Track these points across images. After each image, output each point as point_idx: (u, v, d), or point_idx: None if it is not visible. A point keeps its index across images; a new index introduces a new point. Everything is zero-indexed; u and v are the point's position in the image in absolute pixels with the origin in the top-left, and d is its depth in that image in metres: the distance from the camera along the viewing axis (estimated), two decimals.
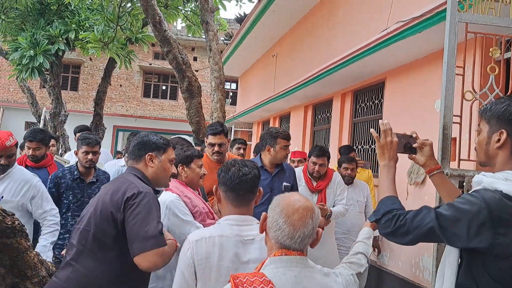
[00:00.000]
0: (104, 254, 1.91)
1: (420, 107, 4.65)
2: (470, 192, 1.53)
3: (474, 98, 2.56)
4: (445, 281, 1.52)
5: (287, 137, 3.44)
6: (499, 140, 1.48)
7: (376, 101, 6.00)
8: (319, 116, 8.33)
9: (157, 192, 2.23)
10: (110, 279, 1.90)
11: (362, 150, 6.35)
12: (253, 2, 9.15)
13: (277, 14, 8.41)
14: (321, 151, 3.85)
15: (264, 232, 1.47)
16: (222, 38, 18.11)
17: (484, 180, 1.47)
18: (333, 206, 3.85)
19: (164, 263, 1.88)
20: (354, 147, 6.20)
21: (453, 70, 2.54)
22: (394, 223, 1.52)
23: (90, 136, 3.60)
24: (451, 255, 1.51)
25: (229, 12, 74.56)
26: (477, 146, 1.59)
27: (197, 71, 19.08)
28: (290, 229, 1.37)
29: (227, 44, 13.10)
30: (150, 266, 1.84)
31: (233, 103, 19.91)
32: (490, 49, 2.57)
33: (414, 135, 1.89)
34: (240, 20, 11.02)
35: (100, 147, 3.71)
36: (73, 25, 9.75)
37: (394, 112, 5.25)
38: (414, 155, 1.87)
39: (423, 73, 4.64)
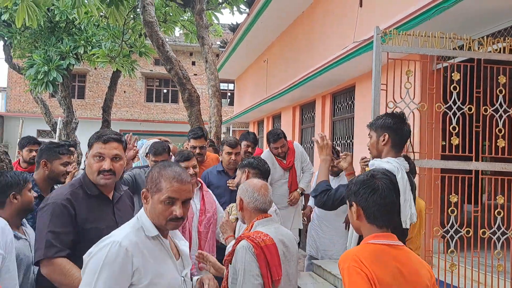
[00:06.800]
0: None
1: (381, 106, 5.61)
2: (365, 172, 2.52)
3: (395, 106, 3.54)
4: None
5: (230, 145, 3.73)
6: (384, 140, 2.45)
7: (350, 102, 6.98)
8: (305, 116, 9.30)
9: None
10: None
11: (341, 145, 7.32)
12: (243, 14, 10.09)
13: (265, 24, 9.38)
14: (276, 135, 4.21)
15: (241, 210, 2.29)
16: (218, 43, 19.07)
17: (375, 164, 2.45)
18: (302, 174, 4.43)
19: None
20: (334, 142, 7.19)
21: (379, 87, 3.52)
22: (326, 197, 2.52)
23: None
24: None
25: (223, 18, 75.35)
26: (370, 146, 2.55)
27: (196, 75, 20.04)
28: (263, 198, 2.24)
29: (222, 51, 14.05)
30: None
31: (231, 103, 20.82)
32: (406, 71, 3.54)
33: (338, 149, 2.89)
34: (233, 28, 11.97)
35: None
36: (82, 41, 10.71)
37: (362, 111, 6.22)
38: (339, 160, 2.83)
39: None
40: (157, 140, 3.96)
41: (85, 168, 2.25)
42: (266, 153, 4.37)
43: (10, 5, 6.93)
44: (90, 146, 2.16)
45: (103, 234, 1.93)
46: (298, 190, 4.37)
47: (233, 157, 3.75)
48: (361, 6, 6.20)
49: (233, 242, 2.31)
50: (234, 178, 3.54)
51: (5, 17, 9.87)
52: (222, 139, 3.86)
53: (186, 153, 3.21)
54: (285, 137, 4.29)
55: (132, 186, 3.27)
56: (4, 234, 1.80)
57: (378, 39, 3.51)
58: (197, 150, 3.84)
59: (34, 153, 3.95)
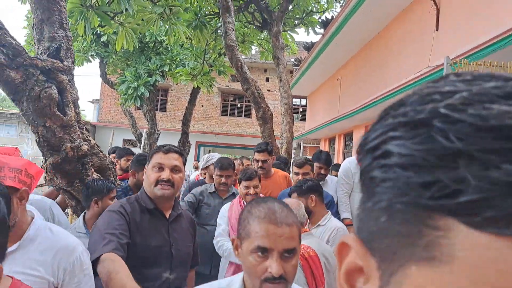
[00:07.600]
0: None
1: None
2: None
3: None
4: None
5: (297, 165, 3.73)
6: None
7: None
8: None
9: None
10: None
11: None
12: (317, 34, 10.41)
13: (340, 45, 9.59)
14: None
15: None
16: (292, 60, 19.53)
17: None
18: None
19: None
20: None
21: None
22: None
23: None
24: None
25: (298, 36, 76.46)
26: None
27: (269, 90, 20.64)
28: (296, 212, 2.30)
29: (296, 68, 14.44)
30: None
31: (303, 118, 21.10)
32: None
33: None
34: (308, 47, 12.32)
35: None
36: (167, 60, 11.71)
37: None
38: None
39: None
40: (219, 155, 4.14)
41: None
42: (351, 158, 4.40)
43: (111, 31, 7.88)
44: (149, 158, 2.02)
45: (152, 251, 1.89)
46: None
47: (300, 177, 3.65)
48: (437, 29, 6.23)
49: None
50: None
51: (104, 38, 11.12)
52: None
53: (249, 172, 3.04)
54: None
55: (193, 206, 3.41)
56: (72, 258, 1.55)
57: (447, 68, 3.63)
58: (260, 164, 3.90)
59: (129, 163, 4.55)
